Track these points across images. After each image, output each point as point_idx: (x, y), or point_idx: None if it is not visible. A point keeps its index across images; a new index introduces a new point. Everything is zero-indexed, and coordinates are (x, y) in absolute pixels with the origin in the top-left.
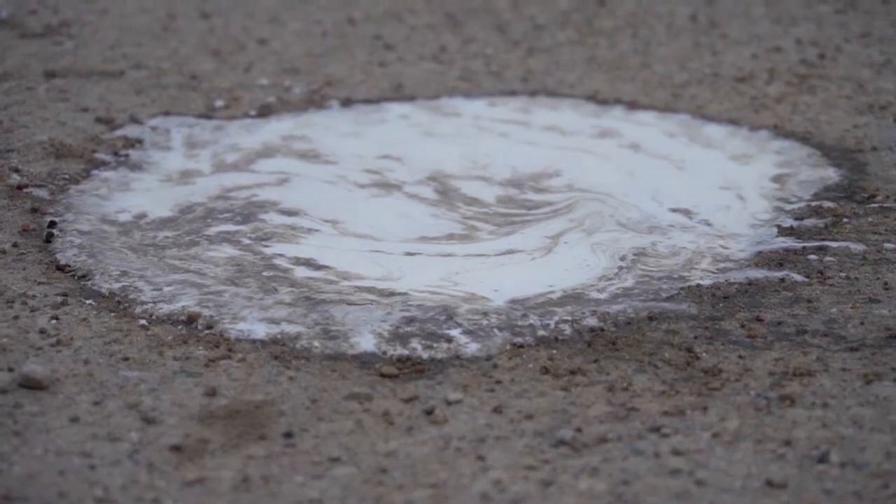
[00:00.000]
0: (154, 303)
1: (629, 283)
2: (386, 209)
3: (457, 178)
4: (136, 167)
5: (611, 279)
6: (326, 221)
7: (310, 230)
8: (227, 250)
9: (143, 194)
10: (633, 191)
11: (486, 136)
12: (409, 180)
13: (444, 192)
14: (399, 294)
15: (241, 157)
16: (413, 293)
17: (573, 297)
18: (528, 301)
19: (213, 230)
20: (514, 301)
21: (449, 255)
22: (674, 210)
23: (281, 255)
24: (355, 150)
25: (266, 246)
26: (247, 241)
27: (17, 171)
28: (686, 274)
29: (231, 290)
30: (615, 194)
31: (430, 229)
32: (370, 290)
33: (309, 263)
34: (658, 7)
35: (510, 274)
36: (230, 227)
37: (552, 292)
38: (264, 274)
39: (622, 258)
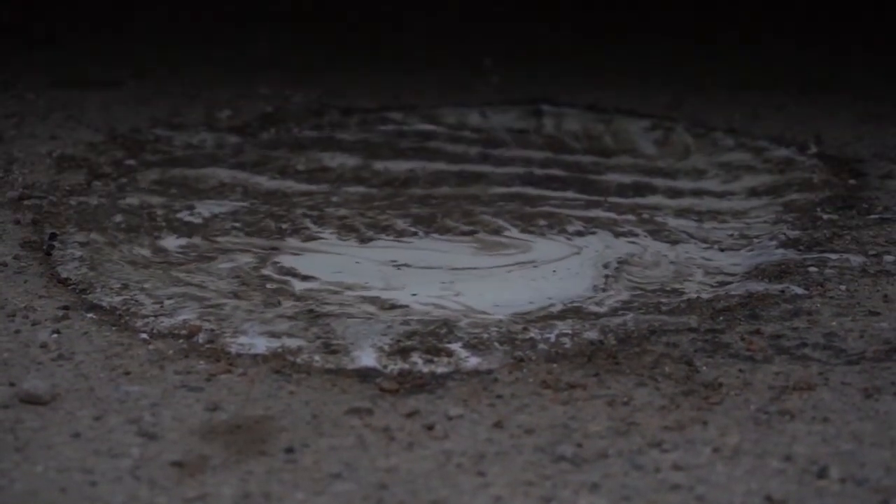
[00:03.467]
0: (155, 316)
1: (625, 295)
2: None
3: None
4: (138, 178)
5: (608, 292)
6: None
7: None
8: (228, 262)
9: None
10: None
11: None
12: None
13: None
14: (400, 307)
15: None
16: (414, 306)
17: (573, 310)
18: (528, 314)
19: (214, 241)
20: (514, 314)
21: (451, 267)
22: (675, 221)
23: (282, 267)
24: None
25: (269, 258)
26: (248, 253)
27: (18, 182)
28: (686, 286)
29: (231, 302)
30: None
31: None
32: (371, 302)
33: (311, 275)
34: None
35: (510, 286)
36: (232, 238)
37: (552, 305)
38: (266, 286)
39: (626, 278)
